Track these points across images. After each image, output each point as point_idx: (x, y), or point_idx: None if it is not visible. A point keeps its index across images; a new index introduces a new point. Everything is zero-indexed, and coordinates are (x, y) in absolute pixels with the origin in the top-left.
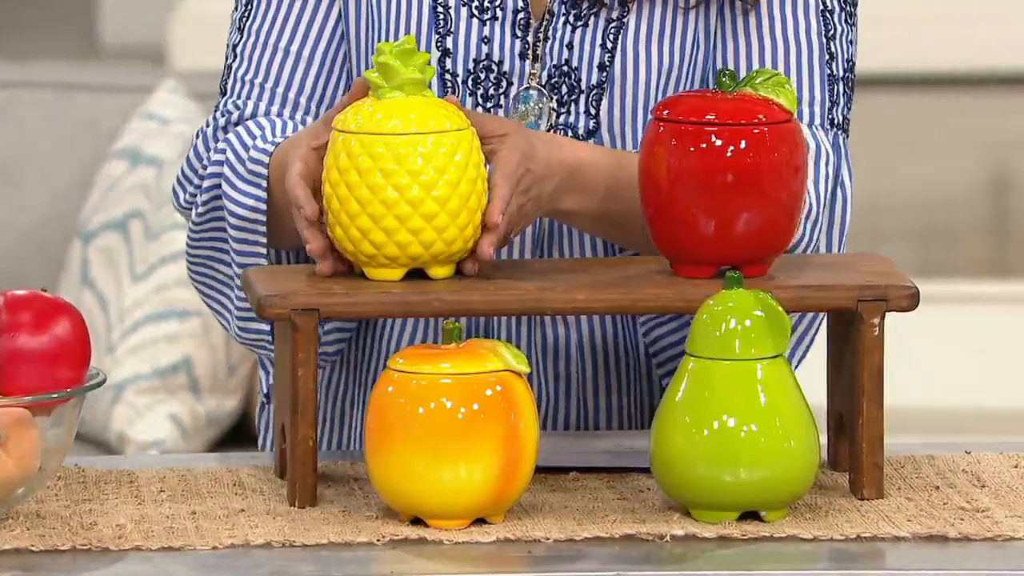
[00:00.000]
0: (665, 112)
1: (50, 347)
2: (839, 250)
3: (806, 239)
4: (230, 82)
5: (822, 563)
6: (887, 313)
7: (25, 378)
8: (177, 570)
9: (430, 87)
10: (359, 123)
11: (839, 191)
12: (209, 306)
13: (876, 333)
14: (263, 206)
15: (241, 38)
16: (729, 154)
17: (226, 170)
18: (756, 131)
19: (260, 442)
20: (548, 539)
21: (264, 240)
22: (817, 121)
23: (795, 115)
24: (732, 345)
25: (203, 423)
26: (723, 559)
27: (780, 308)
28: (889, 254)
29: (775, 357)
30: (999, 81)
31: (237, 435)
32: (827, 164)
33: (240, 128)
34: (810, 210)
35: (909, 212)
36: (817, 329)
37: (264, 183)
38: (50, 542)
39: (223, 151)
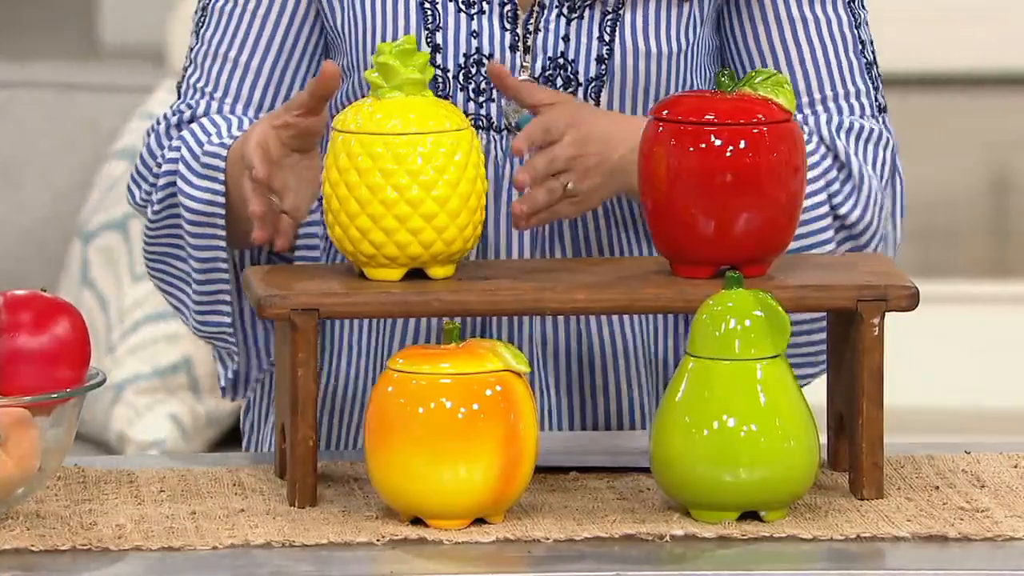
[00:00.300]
0: (664, 112)
1: (50, 347)
2: (900, 232)
3: (874, 225)
4: (183, 86)
5: (822, 563)
6: (887, 313)
7: (25, 378)
8: (177, 570)
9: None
10: (359, 123)
11: (896, 173)
12: (168, 302)
13: (876, 333)
14: (220, 199)
15: (196, 44)
16: (728, 154)
17: (181, 167)
18: (755, 131)
19: (244, 443)
20: (548, 539)
21: (223, 234)
22: (868, 112)
23: (794, 115)
24: (732, 345)
25: (203, 423)
26: (723, 559)
27: (780, 308)
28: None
29: (774, 357)
30: (999, 81)
31: (237, 435)
32: (885, 148)
33: (195, 125)
34: (872, 194)
35: (909, 212)
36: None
37: (221, 176)
38: (50, 542)
39: (177, 148)
